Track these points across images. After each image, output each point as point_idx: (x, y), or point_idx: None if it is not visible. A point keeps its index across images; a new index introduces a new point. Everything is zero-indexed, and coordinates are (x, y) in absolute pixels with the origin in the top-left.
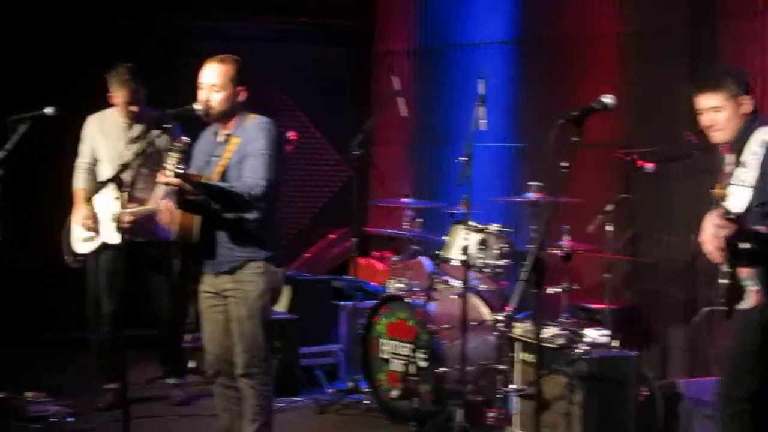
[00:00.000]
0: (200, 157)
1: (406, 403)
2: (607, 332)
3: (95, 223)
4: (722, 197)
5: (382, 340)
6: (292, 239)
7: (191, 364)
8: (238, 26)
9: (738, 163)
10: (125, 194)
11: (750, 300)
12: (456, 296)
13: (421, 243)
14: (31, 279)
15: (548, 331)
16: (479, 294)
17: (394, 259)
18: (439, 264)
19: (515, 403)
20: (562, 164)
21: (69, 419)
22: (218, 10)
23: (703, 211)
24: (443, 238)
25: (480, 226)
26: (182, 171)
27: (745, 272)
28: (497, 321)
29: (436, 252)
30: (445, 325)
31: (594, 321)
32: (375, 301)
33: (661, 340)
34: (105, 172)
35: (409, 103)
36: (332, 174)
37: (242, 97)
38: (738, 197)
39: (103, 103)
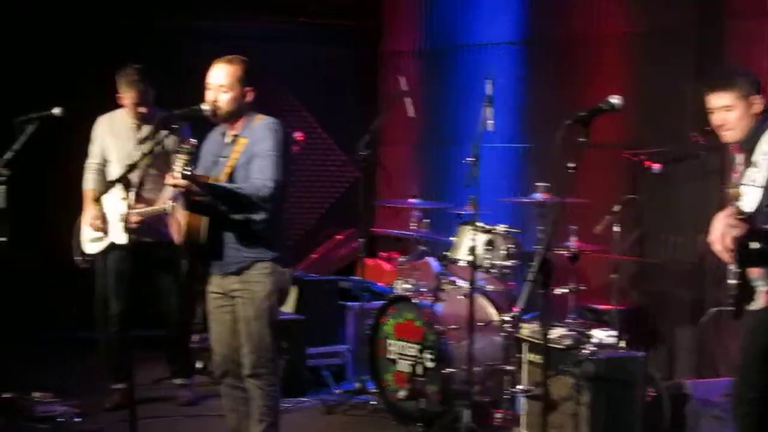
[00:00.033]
0: (207, 157)
1: (413, 403)
2: (614, 333)
3: (104, 224)
4: (737, 197)
5: (389, 341)
6: (299, 240)
7: (198, 365)
8: (244, 27)
9: (748, 163)
10: (133, 194)
11: (760, 300)
12: (463, 297)
13: (428, 243)
14: (39, 279)
15: (555, 332)
16: (486, 295)
17: (401, 259)
18: (447, 264)
19: (522, 403)
20: (569, 165)
21: (76, 419)
22: (223, 11)
23: (710, 212)
24: (450, 238)
25: (487, 226)
26: (190, 173)
27: (755, 272)
28: (504, 321)
29: (444, 252)
30: (452, 326)
31: (601, 322)
32: (382, 302)
33: (668, 340)
34: (115, 172)
35: (416, 103)
36: (339, 174)
37: (250, 97)
38: (748, 197)
39: (103, 103)
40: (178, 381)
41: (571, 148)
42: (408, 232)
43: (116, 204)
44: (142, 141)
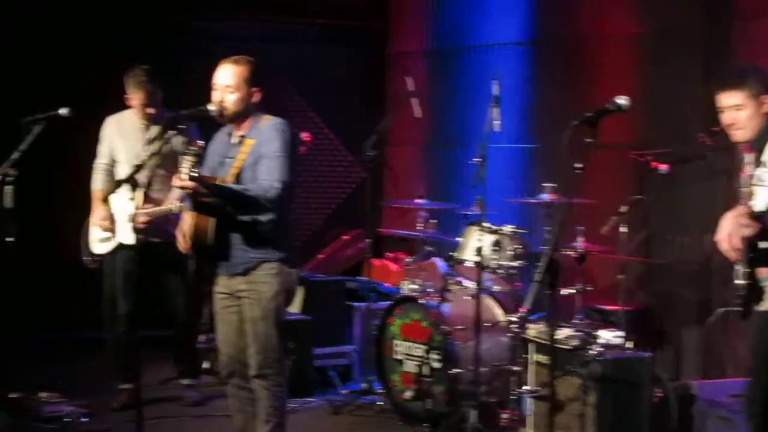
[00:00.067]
0: (214, 158)
1: (420, 404)
2: (621, 333)
3: (112, 224)
4: (750, 196)
5: (395, 341)
6: (305, 240)
7: (205, 365)
8: (250, 27)
9: (758, 163)
10: (140, 194)
11: None
12: (470, 297)
13: (434, 244)
14: (45, 279)
15: (562, 333)
16: (493, 295)
17: (407, 260)
18: (453, 265)
19: (529, 404)
20: (576, 165)
21: (83, 419)
22: (227, 11)
23: (716, 213)
24: (457, 239)
25: (494, 227)
26: (197, 174)
27: (764, 272)
28: (511, 322)
29: (450, 253)
30: (459, 327)
31: (608, 322)
32: (389, 302)
33: (675, 341)
34: (123, 173)
35: (422, 104)
36: (346, 175)
37: (256, 98)
38: (759, 196)
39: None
40: (185, 381)
41: (578, 149)
42: (415, 233)
43: (124, 204)
44: (150, 141)
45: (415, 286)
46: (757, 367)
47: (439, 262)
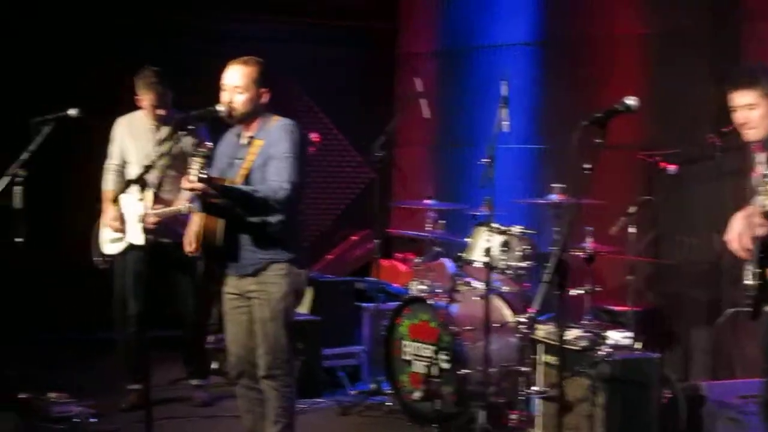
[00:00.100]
0: (223, 159)
1: (429, 404)
2: (630, 334)
3: (122, 225)
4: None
5: (404, 342)
6: (314, 241)
7: (214, 366)
8: (256, 27)
9: None
10: (150, 195)
11: None
12: (478, 298)
13: (443, 245)
14: (54, 279)
15: (571, 333)
16: (502, 296)
17: (416, 260)
18: (462, 266)
19: (538, 405)
20: (585, 166)
21: (92, 420)
22: (237, 11)
23: (725, 213)
24: (466, 239)
25: (502, 227)
26: (206, 176)
27: None
28: (520, 323)
29: (459, 254)
30: (468, 327)
31: (617, 323)
32: (397, 303)
33: (683, 342)
34: (134, 173)
35: (431, 104)
36: (355, 176)
37: (265, 98)
38: None
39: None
40: (194, 382)
41: (587, 150)
42: (423, 233)
43: (135, 205)
44: (160, 142)
45: (424, 287)
46: None
47: (448, 263)
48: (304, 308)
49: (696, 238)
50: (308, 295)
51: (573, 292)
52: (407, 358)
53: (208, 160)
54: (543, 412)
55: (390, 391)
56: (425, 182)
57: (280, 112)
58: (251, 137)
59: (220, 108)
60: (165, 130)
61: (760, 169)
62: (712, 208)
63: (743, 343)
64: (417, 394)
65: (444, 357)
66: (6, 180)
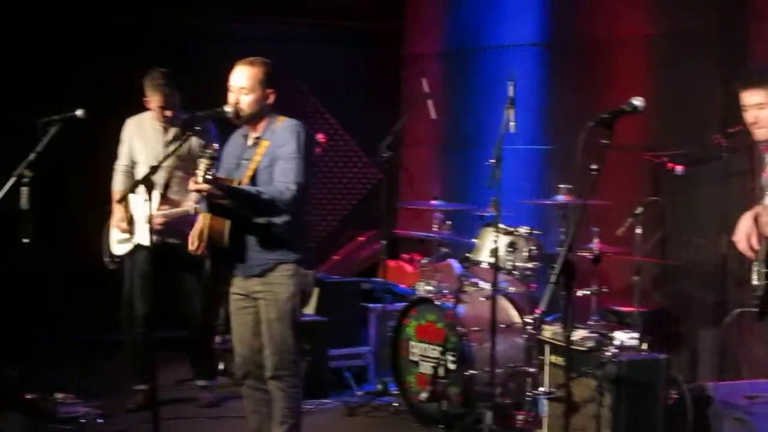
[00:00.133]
0: (230, 160)
1: (435, 405)
2: (637, 335)
3: (130, 225)
4: None
5: (411, 343)
6: (321, 241)
7: (221, 366)
8: (264, 28)
9: None
10: (156, 196)
11: None
12: (485, 299)
13: (450, 245)
14: (61, 280)
15: (577, 334)
16: (508, 296)
17: (423, 261)
18: (469, 266)
19: (544, 405)
20: (592, 167)
21: (99, 420)
22: (237, 11)
23: (732, 214)
24: (472, 240)
25: (509, 228)
26: (212, 177)
27: None
28: (526, 323)
29: (466, 254)
30: (474, 328)
31: (623, 324)
32: (404, 304)
33: (690, 342)
34: (142, 174)
35: (438, 105)
36: (361, 176)
37: (271, 99)
38: None
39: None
40: (200, 382)
41: (594, 150)
42: (430, 234)
43: (143, 205)
44: (169, 143)
45: (431, 288)
46: None
47: (455, 264)
48: (310, 309)
49: (703, 239)
50: (315, 296)
51: (579, 292)
52: (414, 358)
53: (215, 161)
54: (549, 413)
55: (396, 392)
56: (432, 183)
57: (286, 113)
58: (258, 138)
59: (227, 109)
60: (173, 131)
61: None
62: (719, 209)
63: (750, 344)
64: (424, 395)
65: (451, 358)
66: (13, 181)
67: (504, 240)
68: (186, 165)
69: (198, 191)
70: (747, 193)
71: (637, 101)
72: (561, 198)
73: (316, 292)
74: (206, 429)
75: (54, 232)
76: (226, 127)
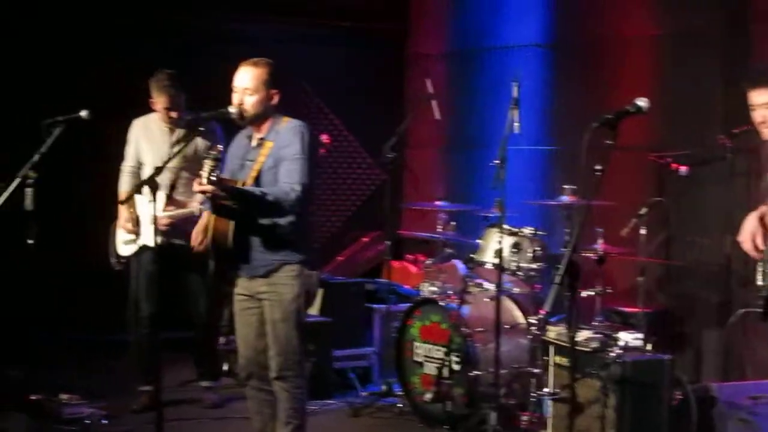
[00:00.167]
0: (234, 161)
1: (440, 406)
2: (641, 335)
3: (136, 226)
4: None
5: (415, 343)
6: (325, 242)
7: (225, 367)
8: (266, 28)
9: None
10: (161, 197)
11: None
12: (489, 299)
13: (454, 246)
14: (65, 281)
15: (582, 335)
16: (513, 297)
17: (427, 262)
18: (473, 267)
19: (549, 406)
20: (596, 167)
21: (103, 421)
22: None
23: (736, 214)
24: (477, 241)
25: (514, 229)
26: (216, 178)
27: None
28: (531, 324)
29: (470, 255)
30: (479, 329)
31: (628, 324)
32: (408, 304)
33: (694, 343)
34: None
35: (442, 106)
36: (365, 177)
37: (275, 100)
38: None
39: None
40: (204, 383)
41: (598, 151)
42: (434, 235)
43: (149, 206)
44: (175, 144)
45: (435, 288)
46: None
47: (459, 264)
48: (314, 310)
49: (707, 239)
50: (319, 297)
51: (584, 293)
52: (418, 359)
53: (219, 162)
54: (554, 414)
55: (401, 393)
56: (436, 183)
57: (290, 114)
58: (262, 139)
59: (231, 110)
60: (179, 132)
61: None
62: (723, 209)
63: (754, 344)
64: (428, 396)
65: (455, 358)
66: (17, 182)
67: (508, 241)
68: (192, 166)
69: (202, 192)
70: (751, 193)
71: (642, 102)
72: (565, 199)
73: (320, 292)
74: (210, 430)
75: (58, 232)
76: (230, 128)
